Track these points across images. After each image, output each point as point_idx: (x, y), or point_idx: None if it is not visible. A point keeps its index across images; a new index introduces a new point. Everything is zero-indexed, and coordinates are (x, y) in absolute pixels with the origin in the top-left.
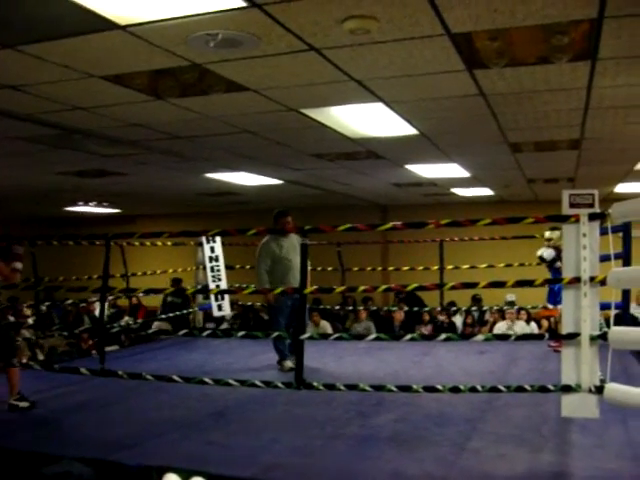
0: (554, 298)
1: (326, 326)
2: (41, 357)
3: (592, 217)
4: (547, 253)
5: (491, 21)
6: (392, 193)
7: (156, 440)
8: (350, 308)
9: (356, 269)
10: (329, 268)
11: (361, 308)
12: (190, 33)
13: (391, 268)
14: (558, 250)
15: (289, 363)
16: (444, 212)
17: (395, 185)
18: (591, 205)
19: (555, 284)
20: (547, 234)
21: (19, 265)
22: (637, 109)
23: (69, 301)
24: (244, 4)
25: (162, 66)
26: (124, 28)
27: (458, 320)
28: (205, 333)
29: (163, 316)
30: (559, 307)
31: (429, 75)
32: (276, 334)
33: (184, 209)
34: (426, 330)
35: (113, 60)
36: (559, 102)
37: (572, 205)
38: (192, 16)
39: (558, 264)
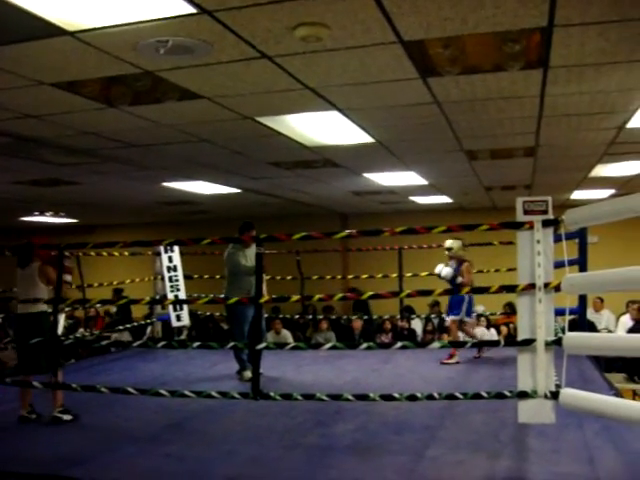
0: (454, 310)
1: (287, 335)
2: None
3: (546, 224)
4: (445, 272)
5: (442, 29)
6: (352, 201)
7: (111, 454)
8: (310, 317)
9: (316, 277)
10: (288, 277)
11: (321, 317)
12: (140, 40)
13: (350, 276)
14: (460, 261)
15: (249, 373)
16: (405, 220)
17: (354, 193)
18: (545, 212)
19: (454, 296)
20: (447, 243)
21: (69, 277)
22: (589, 117)
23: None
24: (194, 10)
25: (113, 73)
26: (72, 34)
27: (418, 327)
28: (160, 344)
29: (121, 327)
30: (454, 318)
31: (383, 83)
32: (232, 344)
33: (144, 219)
34: (387, 338)
35: (63, 67)
36: (513, 110)
37: (526, 212)
38: (141, 22)
39: (459, 279)
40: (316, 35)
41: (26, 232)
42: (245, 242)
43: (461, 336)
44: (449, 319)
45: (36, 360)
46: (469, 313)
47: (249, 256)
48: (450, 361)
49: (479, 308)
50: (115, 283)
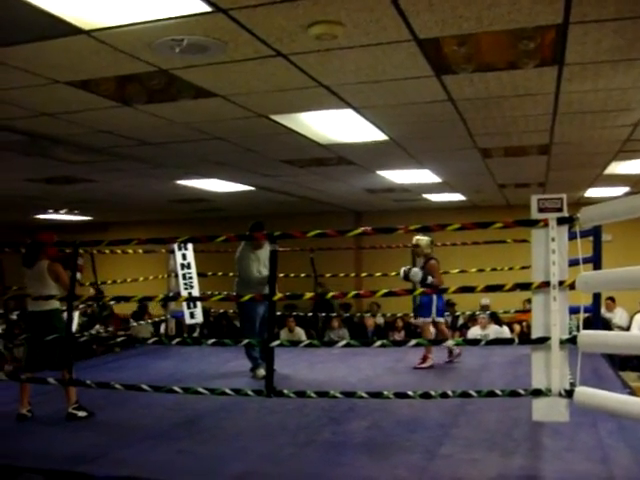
0: (425, 311)
1: (300, 333)
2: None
3: (561, 221)
4: (414, 273)
5: (457, 26)
6: (365, 199)
7: (125, 450)
8: (324, 315)
9: (329, 275)
10: (302, 275)
11: (334, 315)
12: (155, 38)
13: (364, 274)
14: (426, 259)
15: (262, 371)
16: (417, 218)
17: (368, 191)
18: (560, 209)
19: (425, 297)
20: (415, 239)
21: (78, 275)
22: (604, 114)
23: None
24: (209, 9)
25: (128, 72)
26: (88, 33)
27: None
28: (174, 341)
29: (142, 322)
30: (425, 320)
31: (397, 81)
32: (246, 341)
33: (157, 216)
34: (399, 336)
35: (78, 65)
36: (527, 107)
37: (541, 210)
38: (157, 21)
39: (430, 279)
40: (331, 33)
41: (42, 230)
42: (257, 242)
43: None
44: (420, 321)
45: (48, 357)
46: (440, 313)
47: (262, 260)
48: (424, 365)
49: (483, 301)
50: (129, 280)
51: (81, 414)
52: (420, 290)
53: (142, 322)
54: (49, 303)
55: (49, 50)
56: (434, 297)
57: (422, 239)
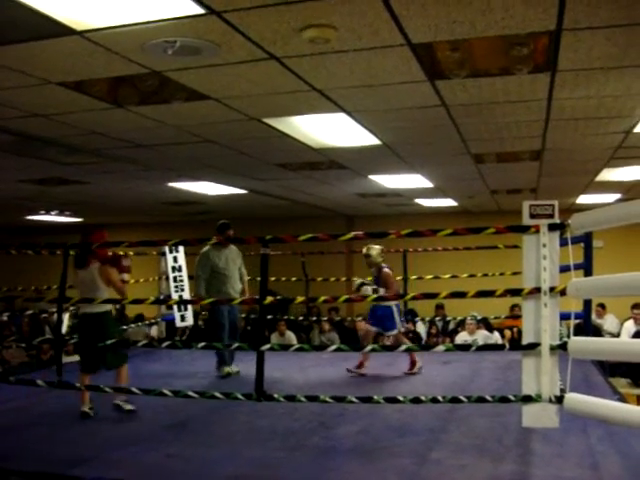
0: (389, 324)
1: (291, 336)
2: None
3: (552, 227)
4: (364, 290)
5: (451, 32)
6: (357, 203)
7: (114, 453)
8: (314, 319)
9: (320, 279)
10: (293, 278)
11: (324, 319)
12: (148, 40)
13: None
14: (379, 268)
15: (227, 368)
16: (410, 223)
17: (360, 195)
18: (551, 216)
19: (380, 310)
20: (365, 249)
21: (127, 277)
22: (596, 121)
23: (29, 311)
24: (202, 11)
25: (120, 73)
26: (81, 34)
27: (422, 330)
28: (165, 344)
29: (153, 321)
30: (393, 333)
31: (390, 85)
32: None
33: (149, 218)
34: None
35: (71, 66)
36: (520, 113)
37: (532, 216)
38: (150, 23)
39: (381, 291)
40: (324, 37)
41: (32, 231)
42: (225, 244)
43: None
44: (388, 334)
45: (102, 358)
46: (400, 321)
47: (224, 258)
48: (414, 370)
49: (473, 314)
50: None
51: (128, 407)
52: (410, 295)
53: (139, 324)
54: (101, 306)
55: (41, 50)
56: (394, 307)
57: (373, 248)
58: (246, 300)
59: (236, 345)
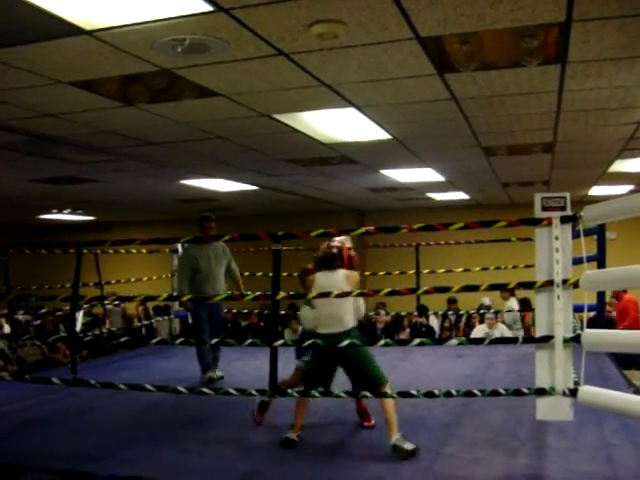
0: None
1: None
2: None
3: (564, 220)
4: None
5: (459, 25)
6: (369, 198)
7: (129, 450)
8: None
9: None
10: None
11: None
12: (157, 38)
13: (367, 273)
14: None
15: (211, 374)
16: (421, 216)
17: (371, 190)
18: (563, 208)
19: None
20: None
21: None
22: (608, 112)
23: (43, 310)
24: (210, 8)
25: (130, 71)
26: (90, 33)
27: (435, 324)
28: (178, 341)
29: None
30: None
31: (400, 79)
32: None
33: (161, 216)
34: (404, 335)
35: (81, 66)
36: (531, 105)
37: (544, 208)
38: (158, 21)
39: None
40: (332, 32)
41: (46, 230)
42: (207, 238)
43: None
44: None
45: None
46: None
47: (206, 255)
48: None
49: (485, 300)
50: (133, 280)
51: (408, 446)
52: (423, 289)
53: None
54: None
55: (51, 50)
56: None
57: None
58: (259, 296)
59: (249, 341)
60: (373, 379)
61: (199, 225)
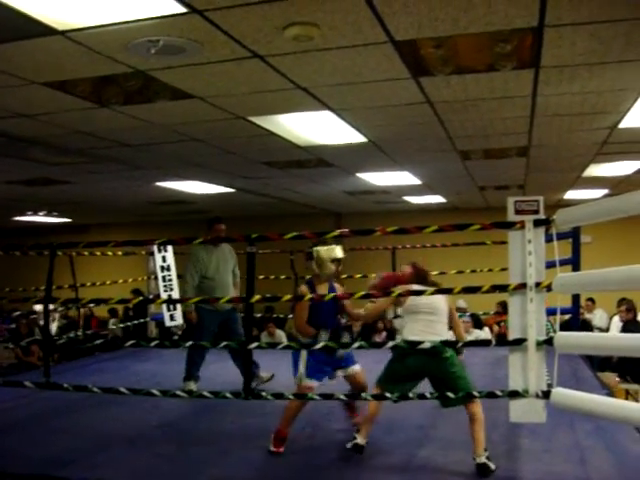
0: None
1: (281, 335)
2: None
3: (537, 223)
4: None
5: (433, 29)
6: (345, 201)
7: (103, 454)
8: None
9: (309, 277)
10: (282, 277)
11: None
12: (131, 39)
13: (344, 276)
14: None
15: (192, 385)
16: (398, 220)
17: (348, 193)
18: (536, 211)
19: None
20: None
21: None
22: (581, 117)
23: (16, 313)
24: (184, 10)
25: (104, 73)
26: (63, 33)
27: None
28: (153, 343)
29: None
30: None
31: (375, 83)
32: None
33: (138, 218)
34: (379, 338)
35: (54, 66)
36: (505, 110)
37: (517, 212)
38: (132, 22)
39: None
40: (307, 35)
41: (21, 232)
42: (218, 242)
43: None
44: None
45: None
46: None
47: (215, 260)
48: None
49: (459, 302)
50: (108, 283)
51: (492, 466)
52: (397, 292)
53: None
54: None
55: (24, 51)
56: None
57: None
58: (233, 299)
59: (224, 344)
60: None
61: (208, 227)
